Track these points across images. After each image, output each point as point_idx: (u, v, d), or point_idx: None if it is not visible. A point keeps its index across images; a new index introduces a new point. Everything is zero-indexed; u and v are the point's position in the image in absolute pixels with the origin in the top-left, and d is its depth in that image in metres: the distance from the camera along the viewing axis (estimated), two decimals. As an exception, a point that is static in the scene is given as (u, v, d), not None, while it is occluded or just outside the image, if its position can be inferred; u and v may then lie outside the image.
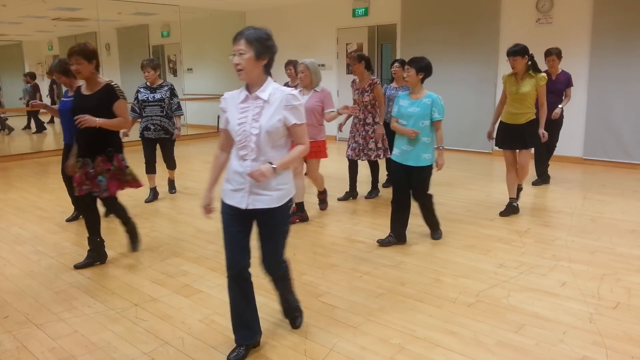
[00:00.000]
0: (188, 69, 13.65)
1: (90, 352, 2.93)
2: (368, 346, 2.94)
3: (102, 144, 4.04)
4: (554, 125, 6.45)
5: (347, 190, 6.25)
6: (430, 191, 4.61)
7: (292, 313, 3.18)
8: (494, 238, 4.74)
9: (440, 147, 4.40)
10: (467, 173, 7.61)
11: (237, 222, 2.73)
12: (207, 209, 2.86)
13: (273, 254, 2.86)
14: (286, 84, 7.05)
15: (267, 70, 2.66)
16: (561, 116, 6.51)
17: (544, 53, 6.51)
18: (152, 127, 6.08)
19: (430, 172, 4.48)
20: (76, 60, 3.91)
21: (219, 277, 3.98)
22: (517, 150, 5.29)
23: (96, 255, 4.27)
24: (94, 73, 4.02)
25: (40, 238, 4.97)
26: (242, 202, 2.66)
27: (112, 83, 4.08)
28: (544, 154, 6.73)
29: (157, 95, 6.05)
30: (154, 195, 6.34)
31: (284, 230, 2.85)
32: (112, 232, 5.00)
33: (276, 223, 2.77)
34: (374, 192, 6.32)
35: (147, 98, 6.04)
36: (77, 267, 4.18)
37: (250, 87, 2.66)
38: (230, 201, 2.70)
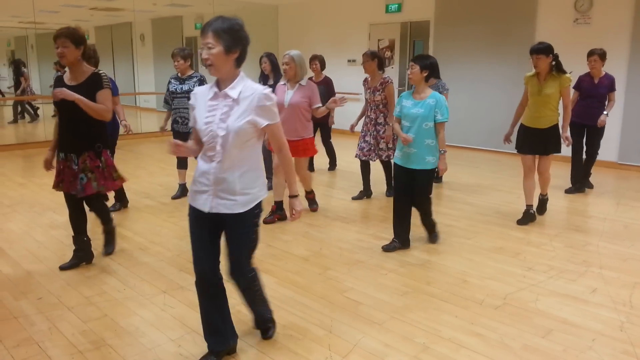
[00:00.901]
0: (220, 61, 13.76)
1: (119, 336, 3.00)
2: (392, 344, 2.94)
3: (91, 138, 3.76)
4: (597, 132, 6.18)
5: (361, 189, 6.14)
6: (432, 194, 4.56)
7: (264, 324, 2.99)
8: (523, 241, 4.67)
9: (442, 151, 4.19)
10: (497, 174, 7.51)
11: (202, 225, 2.58)
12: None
13: (236, 262, 2.67)
14: (310, 79, 7.02)
15: (238, 64, 2.46)
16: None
17: (586, 53, 6.19)
18: (180, 120, 5.80)
19: (433, 176, 4.33)
20: (62, 42, 3.61)
21: (246, 268, 4.02)
22: (538, 156, 5.03)
23: (82, 255, 4.05)
24: (80, 61, 3.74)
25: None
26: (205, 204, 2.51)
27: (101, 71, 3.82)
28: (580, 161, 6.41)
29: (185, 87, 5.74)
30: (182, 191, 6.07)
31: (250, 237, 2.63)
32: (136, 221, 5.09)
33: (241, 230, 2.58)
34: (391, 190, 6.13)
35: (176, 89, 5.79)
36: (63, 268, 3.96)
37: (221, 83, 2.48)
38: (195, 203, 2.55)
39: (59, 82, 3.78)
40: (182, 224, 5.09)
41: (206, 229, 2.59)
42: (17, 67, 13.21)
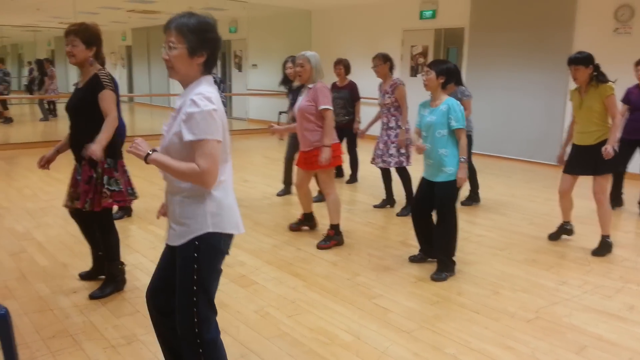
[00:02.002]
0: (253, 65, 13.92)
1: (150, 333, 3.03)
2: (421, 353, 2.91)
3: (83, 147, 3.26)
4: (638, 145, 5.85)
5: (384, 198, 6.01)
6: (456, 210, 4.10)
7: None
8: (557, 254, 4.57)
9: (462, 159, 3.88)
10: (532, 184, 7.37)
11: (166, 254, 2.25)
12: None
13: (177, 308, 2.11)
14: (334, 84, 6.88)
15: (207, 69, 2.07)
16: None
17: (632, 64, 5.90)
18: None
19: (455, 189, 3.95)
20: (72, 41, 3.26)
21: (275, 270, 4.04)
22: (593, 177, 4.52)
23: (101, 269, 3.70)
24: (91, 62, 3.34)
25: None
26: (167, 234, 2.19)
27: (101, 71, 3.35)
28: (622, 179, 6.10)
29: None
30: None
31: (186, 281, 2.07)
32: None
33: (179, 267, 2.09)
34: (407, 210, 5.63)
35: None
36: (82, 276, 3.78)
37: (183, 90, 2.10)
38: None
39: (76, 86, 3.52)
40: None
41: (167, 258, 2.22)
42: (41, 67, 13.57)
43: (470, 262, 4.31)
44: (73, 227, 4.93)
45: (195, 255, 2.07)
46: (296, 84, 4.81)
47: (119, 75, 19.41)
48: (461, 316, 3.36)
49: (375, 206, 5.97)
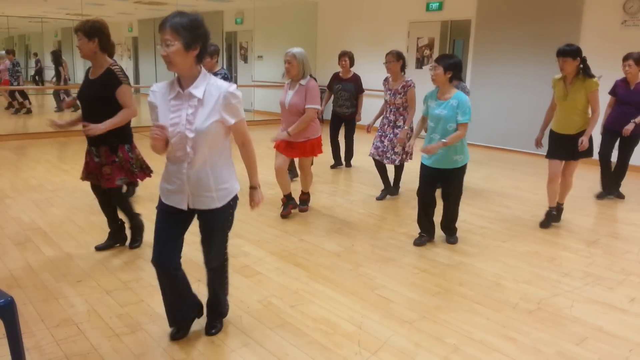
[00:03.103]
0: (258, 56, 13.90)
1: (154, 322, 3.08)
2: (422, 343, 2.93)
3: (106, 133, 3.66)
4: (630, 141, 5.88)
5: (382, 188, 6.03)
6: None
7: (213, 319, 2.98)
8: (559, 246, 4.57)
9: (443, 141, 4.07)
10: (535, 177, 7.35)
11: (173, 221, 2.64)
12: None
13: (212, 249, 2.78)
14: (337, 74, 6.96)
15: (199, 61, 2.41)
16: (637, 130, 5.78)
17: (622, 57, 5.90)
18: None
19: (463, 174, 4.33)
20: (78, 37, 3.61)
21: (278, 260, 4.07)
22: (565, 162, 4.88)
23: (117, 237, 4.23)
24: (98, 54, 3.64)
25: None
26: (182, 203, 2.57)
27: (114, 66, 3.68)
28: (609, 167, 6.11)
29: None
30: None
31: (225, 228, 2.75)
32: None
33: (216, 223, 2.68)
34: (395, 190, 6.04)
35: None
36: (98, 248, 4.17)
37: (183, 82, 2.43)
38: (169, 201, 2.60)
39: (86, 76, 3.81)
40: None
41: (176, 226, 2.65)
42: (57, 58, 13.60)
43: (473, 254, 4.32)
44: (78, 217, 4.99)
45: (231, 210, 2.69)
46: (286, 80, 4.88)
47: (126, 66, 19.45)
48: (463, 307, 3.38)
49: (377, 198, 5.96)
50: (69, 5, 12.69)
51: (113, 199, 4.07)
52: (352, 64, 7.07)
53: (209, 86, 2.41)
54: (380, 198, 5.96)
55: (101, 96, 3.65)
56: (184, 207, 2.58)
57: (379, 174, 5.98)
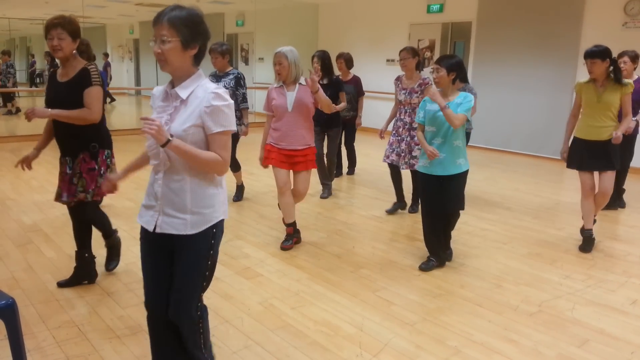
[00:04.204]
0: (259, 59, 13.91)
1: (155, 323, 3.07)
2: (423, 345, 2.93)
3: (86, 138, 3.29)
4: (626, 141, 5.50)
5: (395, 201, 5.58)
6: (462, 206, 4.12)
7: None
8: (561, 248, 4.57)
9: (447, 105, 3.71)
10: (536, 179, 7.35)
11: (151, 248, 2.20)
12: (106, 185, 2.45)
13: (180, 298, 2.16)
14: (337, 77, 6.37)
15: (197, 62, 2.11)
16: (636, 129, 5.70)
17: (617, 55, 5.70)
18: None
19: (465, 180, 3.99)
20: (59, 34, 3.17)
21: (279, 262, 4.07)
22: (600, 172, 4.45)
23: (83, 274, 3.58)
24: (75, 55, 3.29)
25: (114, 211, 5.24)
26: (151, 222, 2.14)
27: (90, 66, 3.28)
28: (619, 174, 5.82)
29: (220, 85, 5.12)
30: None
31: (200, 267, 2.14)
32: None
33: (188, 256, 2.13)
34: (416, 206, 5.51)
35: None
36: (60, 284, 3.54)
37: (175, 82, 2.11)
38: (141, 220, 2.19)
39: (52, 79, 3.39)
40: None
41: (156, 254, 2.19)
42: (53, 59, 13.62)
43: (474, 256, 4.31)
44: (80, 219, 4.98)
45: (213, 242, 2.16)
46: (276, 83, 4.37)
47: (126, 68, 19.47)
48: (464, 309, 3.37)
49: (387, 211, 5.50)
50: (70, 7, 12.69)
51: (87, 213, 3.49)
52: (349, 65, 6.86)
53: (198, 88, 2.07)
54: (391, 211, 5.49)
55: (73, 97, 3.21)
56: (150, 228, 2.13)
57: (393, 184, 5.53)
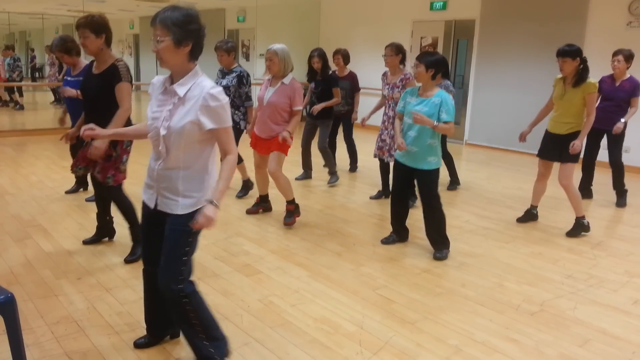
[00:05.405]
0: (260, 55, 13.86)
1: (154, 320, 3.05)
2: (424, 344, 2.91)
3: (106, 127, 3.44)
4: (614, 139, 5.78)
5: (380, 189, 5.94)
6: (440, 196, 4.24)
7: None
8: (563, 247, 4.54)
9: (435, 122, 3.92)
10: (537, 178, 7.32)
11: (149, 219, 2.51)
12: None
13: (166, 264, 2.38)
14: (333, 72, 6.64)
15: (193, 57, 2.27)
16: (624, 131, 5.73)
17: (612, 53, 5.87)
18: None
19: (437, 176, 4.17)
20: (82, 33, 3.51)
21: (279, 259, 4.05)
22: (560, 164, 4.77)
23: (104, 232, 4.25)
24: (104, 49, 3.60)
25: (113, 207, 5.21)
26: (152, 200, 2.44)
27: (119, 62, 3.62)
28: (591, 167, 6.09)
29: (224, 82, 5.40)
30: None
31: (183, 241, 2.37)
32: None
33: (177, 231, 2.36)
34: (381, 193, 5.91)
35: (219, 83, 5.41)
36: (85, 242, 4.19)
37: (174, 77, 2.31)
38: (144, 196, 2.50)
39: (88, 71, 3.74)
40: (219, 214, 5.14)
41: (152, 225, 2.48)
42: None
43: (476, 255, 4.29)
44: (78, 214, 4.97)
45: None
46: (267, 76, 4.75)
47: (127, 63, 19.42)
48: (465, 308, 3.35)
49: (371, 197, 5.90)
50: (70, 2, 12.66)
51: (112, 196, 3.94)
52: (346, 61, 6.89)
53: (195, 85, 2.26)
54: (375, 197, 5.89)
55: (102, 91, 3.59)
56: (151, 206, 2.43)
57: (381, 175, 5.88)
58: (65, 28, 19.05)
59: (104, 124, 3.48)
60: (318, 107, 6.18)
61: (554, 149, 4.81)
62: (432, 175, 4.13)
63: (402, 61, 5.52)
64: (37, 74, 16.43)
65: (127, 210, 3.94)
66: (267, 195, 5.22)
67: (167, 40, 2.18)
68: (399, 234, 4.48)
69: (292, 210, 4.88)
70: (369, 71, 7.41)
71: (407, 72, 5.44)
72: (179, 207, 2.35)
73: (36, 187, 5.90)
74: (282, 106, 4.60)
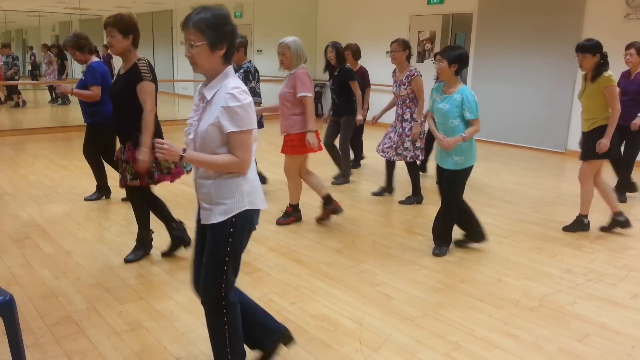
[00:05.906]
0: (258, 50, 13.82)
1: (154, 319, 3.06)
2: (424, 340, 2.91)
3: (133, 128, 3.55)
4: (632, 135, 5.62)
5: (383, 185, 5.91)
6: (460, 202, 4.15)
7: None
8: (562, 242, 4.55)
9: (462, 135, 3.83)
10: (538, 172, 7.33)
11: (198, 234, 2.42)
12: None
13: (206, 274, 2.30)
14: (348, 67, 6.61)
15: (227, 60, 2.18)
16: None
17: (625, 46, 5.77)
18: None
19: (461, 179, 4.01)
20: (110, 32, 3.48)
21: (278, 257, 4.05)
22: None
23: (178, 241, 3.99)
24: (130, 50, 3.56)
25: (112, 206, 5.22)
26: (197, 213, 2.37)
27: (140, 62, 3.56)
28: (623, 167, 5.86)
29: None
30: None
31: (220, 251, 2.26)
32: (172, 205, 5.17)
33: (213, 241, 2.26)
34: (412, 199, 5.58)
35: None
36: (165, 255, 3.98)
37: (207, 81, 2.23)
38: (196, 211, 2.39)
39: (118, 72, 3.73)
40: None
41: (200, 238, 2.40)
42: (61, 52, 13.55)
43: (475, 250, 4.29)
44: (77, 214, 4.96)
45: (232, 230, 2.25)
46: (282, 71, 4.64)
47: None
48: (465, 304, 3.36)
49: (373, 193, 5.89)
50: (66, -1, 12.63)
51: (132, 197, 3.88)
52: (356, 57, 6.84)
53: (222, 87, 2.13)
54: (377, 194, 5.86)
55: (126, 89, 3.54)
56: (196, 219, 2.38)
57: (386, 171, 5.79)
58: (61, 25, 19.00)
59: (129, 125, 3.57)
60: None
61: (583, 146, 4.70)
62: (456, 177, 3.99)
63: (409, 58, 5.40)
64: (37, 72, 16.37)
65: (142, 215, 3.88)
66: (297, 205, 4.87)
67: (201, 44, 2.07)
68: (444, 240, 4.20)
69: (290, 212, 4.84)
70: (367, 66, 7.37)
71: (412, 68, 5.35)
72: (213, 215, 2.23)
73: (34, 187, 5.89)
74: (286, 96, 4.48)
